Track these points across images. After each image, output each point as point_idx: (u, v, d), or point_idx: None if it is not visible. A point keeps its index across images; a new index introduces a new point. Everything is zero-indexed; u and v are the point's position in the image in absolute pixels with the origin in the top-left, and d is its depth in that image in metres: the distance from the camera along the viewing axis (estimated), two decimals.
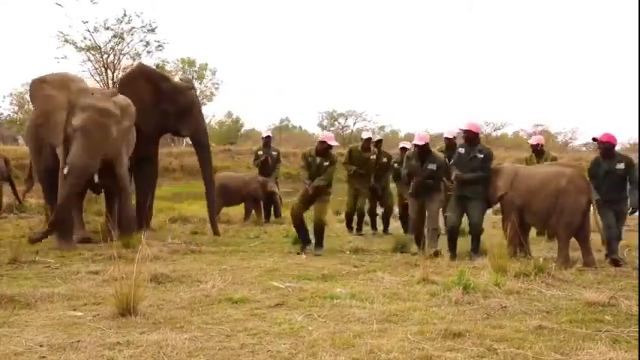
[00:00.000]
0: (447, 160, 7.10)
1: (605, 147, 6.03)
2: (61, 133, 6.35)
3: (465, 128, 6.33)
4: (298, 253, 6.45)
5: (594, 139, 6.22)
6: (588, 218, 5.67)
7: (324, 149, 6.64)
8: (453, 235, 6.24)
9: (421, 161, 6.48)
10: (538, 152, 7.37)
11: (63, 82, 6.58)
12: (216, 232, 7.89)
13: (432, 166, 6.43)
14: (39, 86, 6.55)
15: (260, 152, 10.00)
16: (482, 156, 6.20)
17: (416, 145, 6.45)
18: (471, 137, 6.26)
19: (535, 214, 5.88)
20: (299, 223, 6.73)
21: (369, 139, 8.45)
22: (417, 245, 6.67)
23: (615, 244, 6.00)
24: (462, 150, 6.29)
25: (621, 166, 5.95)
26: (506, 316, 3.70)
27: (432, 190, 6.50)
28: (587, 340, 3.17)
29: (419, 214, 6.64)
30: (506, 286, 4.36)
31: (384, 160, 8.40)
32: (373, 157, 8.30)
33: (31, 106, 31.92)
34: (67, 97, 6.43)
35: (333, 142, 6.70)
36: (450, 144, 7.38)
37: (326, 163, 6.66)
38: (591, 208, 5.63)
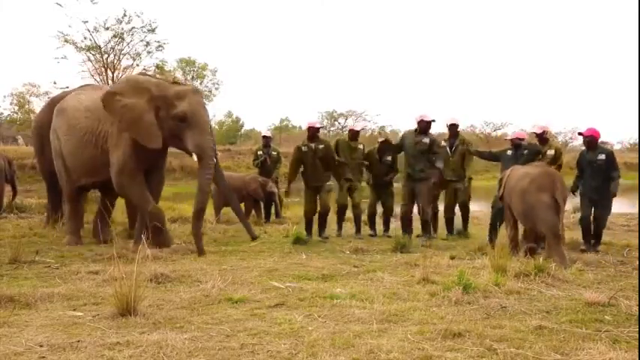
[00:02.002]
0: (448, 147, 7.98)
1: (588, 140, 6.68)
2: (159, 132, 6.25)
3: (512, 137, 7.29)
4: (305, 240, 7.20)
5: (580, 134, 6.92)
6: (560, 214, 5.74)
7: (313, 133, 7.53)
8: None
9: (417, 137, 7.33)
10: (542, 140, 7.25)
11: (134, 87, 6.42)
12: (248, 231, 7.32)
13: (426, 139, 7.28)
14: (113, 99, 6.33)
15: (260, 152, 10.00)
16: (526, 151, 7.01)
17: (421, 122, 7.33)
18: (517, 143, 7.11)
19: (516, 213, 6.08)
20: (311, 217, 7.64)
21: (358, 131, 8.51)
22: (404, 233, 7.32)
23: (589, 235, 6.69)
24: (509, 152, 7.15)
25: (602, 157, 6.60)
26: (506, 316, 3.70)
27: (423, 178, 7.25)
28: (587, 340, 3.17)
29: (409, 200, 7.43)
30: (506, 286, 4.36)
31: (388, 158, 8.30)
32: (361, 146, 8.30)
33: (31, 105, 32.03)
34: (146, 97, 6.31)
35: (316, 125, 7.69)
36: (453, 132, 8.03)
37: (321, 146, 7.51)
38: (560, 205, 5.68)
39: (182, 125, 6.23)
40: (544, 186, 5.71)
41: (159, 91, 6.34)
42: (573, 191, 6.83)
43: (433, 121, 7.44)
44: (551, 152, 7.11)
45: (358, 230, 8.31)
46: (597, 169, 6.57)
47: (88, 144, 6.69)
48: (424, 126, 7.38)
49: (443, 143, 8.01)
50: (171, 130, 6.30)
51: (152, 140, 6.26)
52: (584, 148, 6.88)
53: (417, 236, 7.68)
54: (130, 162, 6.38)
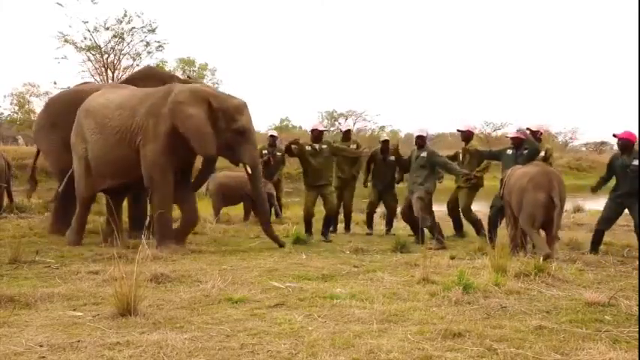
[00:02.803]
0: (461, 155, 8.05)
1: (623, 143, 6.40)
2: (214, 141, 6.44)
3: (512, 136, 7.15)
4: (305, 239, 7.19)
5: (614, 136, 6.53)
6: (555, 213, 5.77)
7: (317, 135, 7.69)
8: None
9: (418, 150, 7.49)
10: (535, 140, 7.31)
11: (195, 97, 6.49)
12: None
13: (424, 154, 7.34)
14: (179, 108, 6.38)
15: (264, 152, 9.88)
16: (526, 151, 6.94)
17: (418, 137, 7.48)
18: (517, 143, 7.08)
19: (516, 212, 6.13)
20: (310, 219, 7.73)
21: (349, 130, 9.19)
22: (414, 234, 7.46)
23: (599, 243, 6.52)
24: (509, 151, 7.11)
25: (636, 162, 6.24)
26: (506, 316, 3.70)
27: (421, 182, 7.28)
28: (587, 340, 3.17)
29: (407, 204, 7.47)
30: (506, 286, 4.36)
31: (391, 158, 8.29)
32: (353, 146, 8.50)
33: (31, 106, 31.99)
34: (205, 107, 6.44)
35: (319, 128, 7.88)
36: (463, 138, 8.12)
37: (324, 146, 7.68)
38: (555, 203, 5.72)
39: (240, 138, 6.56)
40: (541, 185, 5.79)
41: (218, 103, 6.52)
42: (594, 190, 6.72)
43: (425, 135, 7.54)
44: (541, 153, 7.11)
45: (347, 227, 8.65)
46: (632, 174, 6.24)
47: (121, 142, 6.57)
48: (419, 141, 7.50)
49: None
50: (226, 141, 6.54)
51: (208, 149, 6.47)
52: (618, 151, 6.58)
53: (409, 234, 7.70)
54: (163, 156, 6.43)
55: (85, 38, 24.67)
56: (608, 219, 6.51)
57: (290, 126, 47.16)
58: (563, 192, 5.86)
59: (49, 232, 7.75)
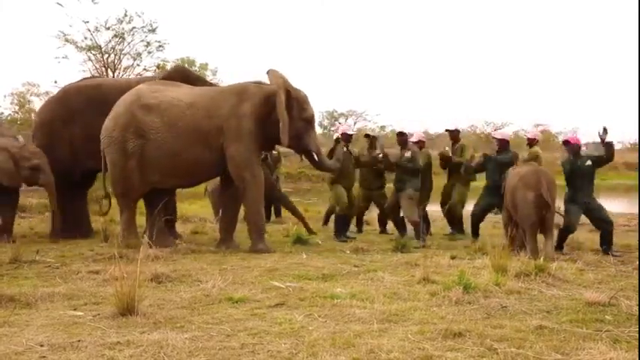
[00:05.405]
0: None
1: (572, 147, 6.71)
2: (288, 131, 6.50)
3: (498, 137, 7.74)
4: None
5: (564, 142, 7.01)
6: (547, 211, 5.90)
7: (348, 139, 7.78)
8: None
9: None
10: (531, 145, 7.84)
11: (286, 86, 6.60)
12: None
13: (407, 154, 7.42)
14: (277, 93, 6.48)
15: None
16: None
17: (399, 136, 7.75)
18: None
19: (512, 211, 6.30)
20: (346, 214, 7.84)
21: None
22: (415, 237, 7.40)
23: (564, 236, 6.62)
24: None
25: (589, 162, 6.56)
26: (506, 316, 3.70)
27: (406, 182, 7.33)
28: (588, 340, 3.17)
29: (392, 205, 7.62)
30: (507, 286, 4.36)
31: (379, 154, 8.29)
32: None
33: (31, 105, 31.93)
34: (285, 95, 6.55)
35: (350, 131, 8.16)
36: (454, 137, 8.36)
37: (354, 149, 7.94)
38: (547, 202, 5.83)
39: (307, 126, 6.77)
40: (530, 184, 5.96)
41: (294, 92, 6.68)
42: None
43: (408, 134, 7.73)
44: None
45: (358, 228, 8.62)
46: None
47: (196, 143, 6.45)
48: (403, 140, 7.62)
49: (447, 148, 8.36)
50: (297, 130, 6.66)
51: (284, 136, 6.53)
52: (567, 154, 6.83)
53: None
54: (253, 156, 6.60)
55: (86, 38, 24.59)
56: (571, 220, 6.58)
57: None
58: (552, 191, 5.94)
59: (50, 238, 7.46)
